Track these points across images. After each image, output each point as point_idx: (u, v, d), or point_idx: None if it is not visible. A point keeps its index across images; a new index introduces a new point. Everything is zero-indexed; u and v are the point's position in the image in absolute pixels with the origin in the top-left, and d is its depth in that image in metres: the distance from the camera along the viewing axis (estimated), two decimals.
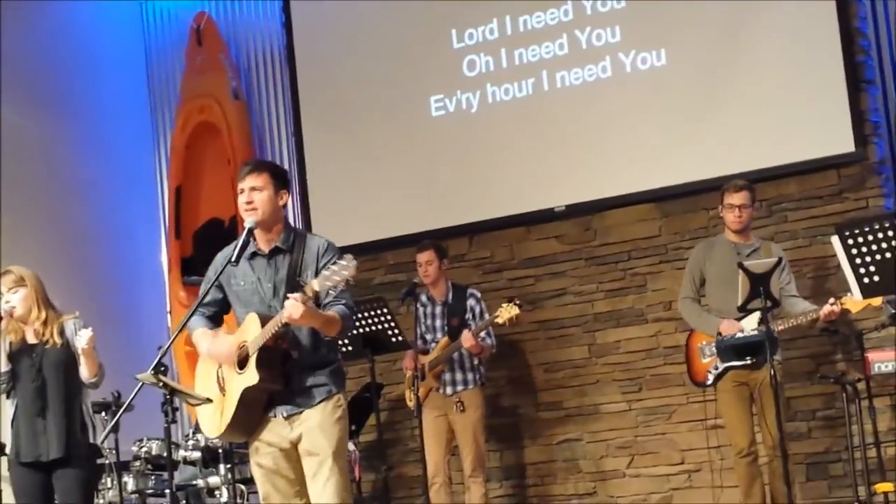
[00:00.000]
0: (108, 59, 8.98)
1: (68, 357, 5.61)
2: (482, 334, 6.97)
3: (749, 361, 6.06)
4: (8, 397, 5.63)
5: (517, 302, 6.89)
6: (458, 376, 7.03)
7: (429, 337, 7.09)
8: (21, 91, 8.20)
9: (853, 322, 6.56)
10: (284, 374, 4.58)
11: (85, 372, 5.56)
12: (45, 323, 5.61)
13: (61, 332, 5.62)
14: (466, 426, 7.00)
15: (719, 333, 6.15)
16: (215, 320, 4.83)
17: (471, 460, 6.99)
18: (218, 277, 4.71)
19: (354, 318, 4.71)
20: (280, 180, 4.72)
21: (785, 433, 5.82)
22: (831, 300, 5.94)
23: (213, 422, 4.71)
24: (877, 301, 5.54)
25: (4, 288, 5.61)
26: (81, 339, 5.47)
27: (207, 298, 4.75)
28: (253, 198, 4.64)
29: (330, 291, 4.47)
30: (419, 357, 6.96)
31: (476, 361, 7.08)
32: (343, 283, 4.36)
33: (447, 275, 7.24)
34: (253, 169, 4.72)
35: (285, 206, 4.76)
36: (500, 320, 6.84)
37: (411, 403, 7.02)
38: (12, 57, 8.16)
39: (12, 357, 5.61)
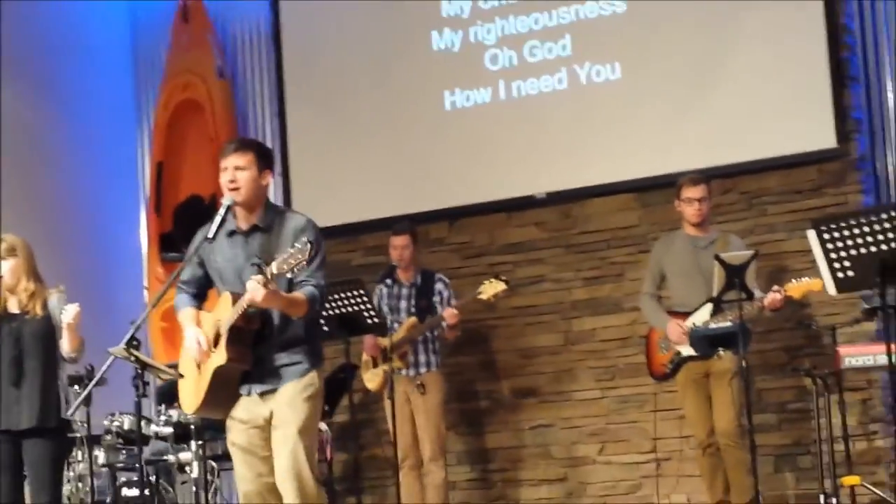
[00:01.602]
0: (93, 35, 8.92)
1: (48, 329, 5.60)
2: None
3: (722, 352, 6.09)
4: None
5: (503, 278, 6.88)
6: (422, 358, 7.07)
7: (390, 318, 7.09)
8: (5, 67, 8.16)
9: (827, 316, 6.60)
10: (256, 353, 4.57)
11: (66, 346, 5.54)
12: (31, 295, 5.59)
13: (44, 305, 5.60)
14: (427, 410, 7.02)
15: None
16: (200, 298, 4.84)
17: (430, 445, 7.00)
18: (196, 254, 4.70)
19: (323, 299, 4.63)
20: (265, 160, 4.70)
21: (753, 425, 5.83)
22: (774, 287, 5.99)
23: (189, 398, 4.75)
24: (817, 286, 5.55)
25: None
26: (67, 314, 5.45)
27: (186, 276, 4.76)
28: (236, 177, 4.60)
29: (299, 271, 4.42)
30: (379, 340, 6.98)
31: (437, 346, 7.11)
32: (298, 267, 4.32)
33: (418, 259, 7.25)
34: (238, 147, 4.68)
35: (268, 185, 4.73)
36: (483, 296, 6.85)
37: (370, 385, 7.10)
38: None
39: None
